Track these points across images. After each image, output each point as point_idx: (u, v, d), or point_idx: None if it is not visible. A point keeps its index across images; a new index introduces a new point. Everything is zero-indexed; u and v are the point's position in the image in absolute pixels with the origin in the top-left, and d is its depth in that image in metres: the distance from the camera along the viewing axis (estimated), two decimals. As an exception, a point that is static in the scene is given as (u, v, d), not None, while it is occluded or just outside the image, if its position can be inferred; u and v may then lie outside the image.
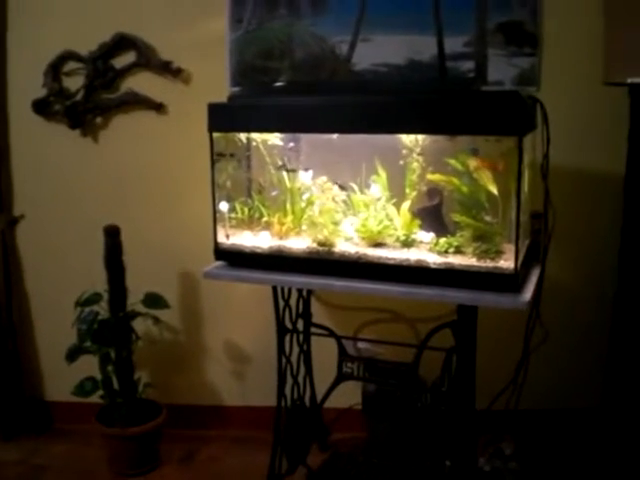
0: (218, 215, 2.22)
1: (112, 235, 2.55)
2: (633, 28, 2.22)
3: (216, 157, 2.18)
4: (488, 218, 2.00)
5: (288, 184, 2.21)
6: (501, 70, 2.53)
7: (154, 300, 2.63)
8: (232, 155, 2.20)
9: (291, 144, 2.19)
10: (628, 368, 2.40)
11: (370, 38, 2.56)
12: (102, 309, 2.63)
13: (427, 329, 2.17)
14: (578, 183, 2.58)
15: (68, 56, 2.73)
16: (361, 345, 2.48)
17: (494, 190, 1.97)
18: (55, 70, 2.73)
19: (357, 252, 2.06)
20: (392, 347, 2.34)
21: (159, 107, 2.73)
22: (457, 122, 1.87)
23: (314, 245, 2.12)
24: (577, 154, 2.57)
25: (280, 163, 2.19)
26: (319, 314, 2.60)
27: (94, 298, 2.61)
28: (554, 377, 2.68)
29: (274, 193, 2.26)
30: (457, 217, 2.02)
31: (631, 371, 2.39)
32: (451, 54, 2.54)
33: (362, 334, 2.64)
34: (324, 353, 2.44)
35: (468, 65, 2.54)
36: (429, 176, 2.06)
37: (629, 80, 2.26)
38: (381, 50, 2.56)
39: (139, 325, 2.72)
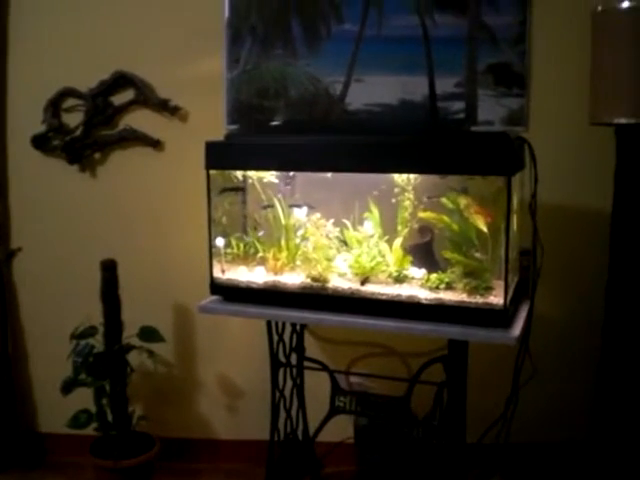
0: (214, 250, 2.26)
1: (109, 269, 2.58)
2: (618, 70, 2.28)
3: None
4: (478, 255, 2.05)
5: (283, 221, 2.26)
6: (491, 110, 2.62)
7: (149, 334, 2.65)
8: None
9: (287, 185, 2.25)
10: (615, 401, 2.43)
11: (363, 79, 2.64)
12: (97, 342, 2.65)
13: (419, 363, 2.20)
14: (566, 220, 2.63)
15: (68, 93, 2.78)
16: (353, 379, 2.51)
17: (484, 228, 2.02)
18: (55, 106, 2.78)
19: (350, 288, 2.11)
20: (384, 381, 2.37)
21: (156, 144, 2.78)
22: (448, 162, 1.94)
23: (308, 281, 2.16)
24: (565, 192, 2.62)
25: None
26: (312, 348, 2.63)
27: (89, 331, 2.63)
28: (543, 410, 2.70)
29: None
30: (448, 254, 2.07)
31: (617, 404, 2.43)
32: (442, 94, 2.62)
33: (355, 368, 2.67)
34: (317, 387, 2.47)
35: (459, 105, 2.62)
36: (420, 214, 2.11)
37: (615, 121, 2.33)
38: (374, 90, 2.64)
39: (134, 358, 2.73)
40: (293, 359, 2.50)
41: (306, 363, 2.51)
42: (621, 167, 2.38)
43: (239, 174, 2.27)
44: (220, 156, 2.20)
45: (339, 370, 2.42)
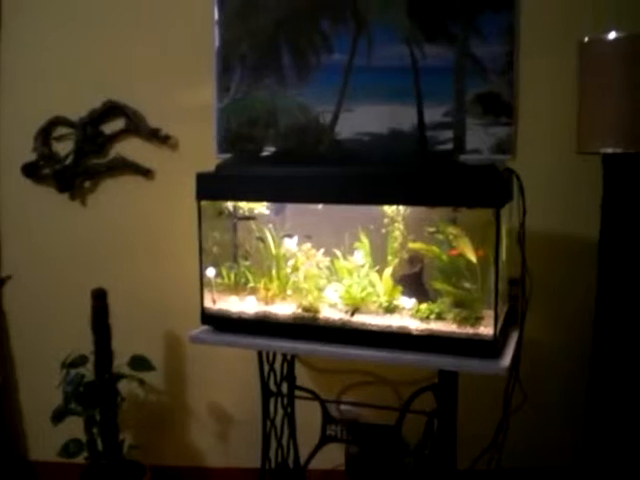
0: (205, 280, 2.27)
1: (99, 298, 2.59)
2: (605, 100, 2.31)
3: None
4: (467, 285, 2.07)
5: (273, 251, 2.28)
6: (479, 139, 2.65)
7: (140, 363, 2.65)
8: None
9: (277, 215, 2.26)
10: (604, 426, 2.45)
11: (353, 108, 2.67)
12: (88, 371, 2.64)
13: (409, 391, 2.21)
14: (554, 246, 2.65)
15: (58, 121, 2.80)
16: (344, 407, 2.52)
17: (473, 258, 2.04)
18: (45, 135, 2.80)
19: (341, 318, 2.12)
20: (375, 409, 2.38)
21: (147, 172, 2.79)
22: (438, 195, 1.95)
23: (299, 311, 2.17)
24: (553, 219, 2.65)
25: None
26: (303, 376, 2.64)
27: (80, 360, 2.63)
28: (534, 436, 2.72)
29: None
30: (438, 285, 2.08)
31: (606, 430, 2.45)
32: (431, 124, 2.65)
33: (345, 396, 2.68)
34: (308, 415, 2.46)
35: (447, 134, 2.65)
36: (410, 245, 2.13)
37: (601, 150, 2.36)
38: (363, 119, 2.67)
39: (124, 385, 2.73)
40: (284, 388, 2.50)
41: (297, 392, 2.52)
42: (608, 195, 2.40)
43: (229, 204, 2.29)
44: (211, 187, 2.21)
45: (330, 399, 2.42)
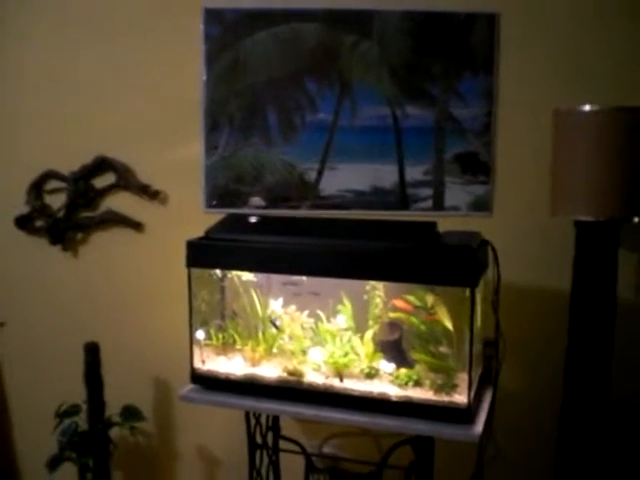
0: (194, 340, 2.37)
1: (91, 352, 2.67)
2: (577, 169, 2.40)
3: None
4: (443, 349, 2.18)
5: (260, 312, 2.38)
6: (457, 196, 2.75)
7: (131, 413, 2.75)
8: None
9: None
10: (575, 476, 2.57)
11: (336, 166, 2.76)
12: (80, 419, 2.74)
13: (390, 442, 2.31)
14: (528, 302, 2.74)
15: (50, 175, 2.88)
16: (327, 449, 2.62)
17: (450, 325, 2.15)
18: (38, 188, 2.88)
19: (325, 383, 2.22)
20: (357, 451, 2.48)
21: (137, 226, 2.87)
22: (416, 274, 2.07)
23: (284, 375, 2.27)
24: (527, 274, 2.74)
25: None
26: (288, 425, 2.73)
27: (73, 409, 2.73)
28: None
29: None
30: (416, 355, 2.19)
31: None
32: (411, 181, 2.75)
33: (328, 442, 2.77)
34: (292, 462, 2.57)
35: (427, 192, 2.75)
36: (390, 314, 2.24)
37: (573, 217, 2.46)
38: (347, 177, 2.77)
39: (116, 431, 2.82)
40: (269, 437, 2.60)
41: (282, 442, 2.62)
42: (580, 256, 2.50)
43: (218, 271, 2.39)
44: (200, 255, 2.31)
45: (314, 453, 2.52)
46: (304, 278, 2.29)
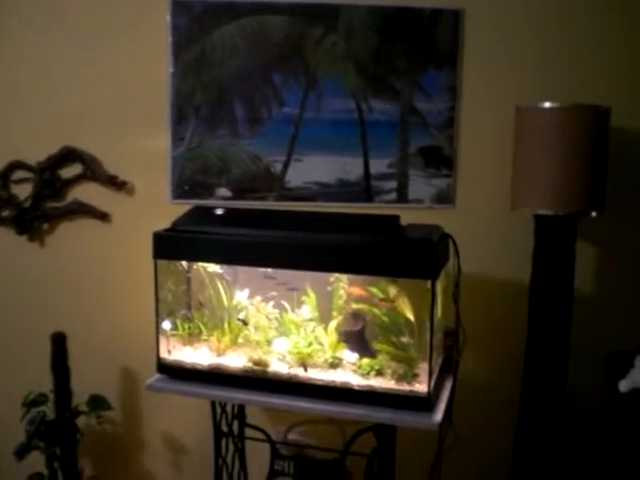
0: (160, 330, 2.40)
1: (58, 342, 2.68)
2: (537, 164, 2.47)
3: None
4: (405, 339, 2.23)
5: (226, 303, 2.41)
6: (421, 189, 2.81)
7: (98, 402, 2.76)
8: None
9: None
10: (532, 464, 2.66)
11: (302, 159, 2.80)
12: (48, 408, 2.75)
13: (354, 429, 2.36)
14: (488, 292, 2.81)
15: (17, 165, 2.87)
16: (292, 437, 2.66)
17: (411, 316, 2.20)
18: (4, 178, 2.87)
19: (289, 373, 2.27)
20: (322, 436, 2.53)
21: (104, 216, 2.88)
22: (378, 266, 2.13)
23: (250, 364, 2.31)
24: (487, 265, 2.81)
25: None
26: (253, 413, 2.76)
27: (40, 399, 2.74)
28: (466, 474, 2.88)
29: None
30: (378, 346, 2.24)
31: (533, 466, 2.65)
32: (376, 174, 2.80)
33: (294, 429, 2.81)
34: (258, 450, 2.60)
35: (391, 184, 2.80)
36: (353, 305, 2.29)
37: (532, 211, 2.53)
38: (312, 169, 2.81)
39: (83, 420, 2.84)
40: (235, 425, 2.64)
41: (247, 430, 2.66)
42: (539, 249, 2.58)
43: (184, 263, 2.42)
44: (167, 247, 2.33)
45: (278, 441, 2.56)
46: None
